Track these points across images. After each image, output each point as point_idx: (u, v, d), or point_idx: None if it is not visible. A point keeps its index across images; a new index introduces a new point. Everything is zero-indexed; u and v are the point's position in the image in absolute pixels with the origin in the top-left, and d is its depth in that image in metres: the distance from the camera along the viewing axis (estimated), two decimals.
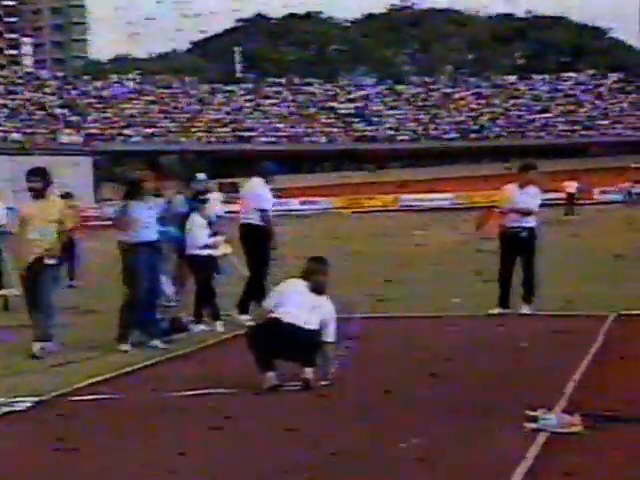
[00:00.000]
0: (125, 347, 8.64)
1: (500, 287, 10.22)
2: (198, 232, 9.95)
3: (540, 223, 10.43)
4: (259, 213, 10.14)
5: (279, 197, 12.20)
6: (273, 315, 6.75)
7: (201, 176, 11.91)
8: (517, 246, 10.15)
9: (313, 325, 6.71)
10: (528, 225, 10.19)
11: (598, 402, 5.90)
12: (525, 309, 10.04)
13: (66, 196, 14.40)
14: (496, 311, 10.02)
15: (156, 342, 8.80)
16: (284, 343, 6.61)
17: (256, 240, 10.08)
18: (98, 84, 66.25)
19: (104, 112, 62.60)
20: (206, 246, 9.94)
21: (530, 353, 7.81)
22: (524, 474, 4.52)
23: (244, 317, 9.80)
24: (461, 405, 5.98)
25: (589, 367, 7.02)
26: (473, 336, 8.80)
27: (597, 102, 66.91)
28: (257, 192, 10.27)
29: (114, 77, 68.50)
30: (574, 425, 5.23)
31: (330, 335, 6.83)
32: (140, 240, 8.83)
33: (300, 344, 6.62)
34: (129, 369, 7.69)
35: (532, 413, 5.40)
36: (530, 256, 10.17)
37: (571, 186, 35.03)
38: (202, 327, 9.80)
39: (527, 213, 10.19)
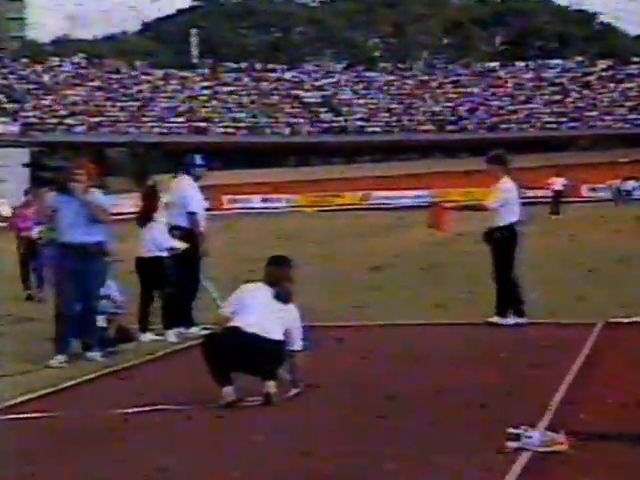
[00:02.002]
0: (58, 359, 8.45)
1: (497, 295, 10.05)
2: (159, 232, 9.86)
3: (519, 222, 10.27)
4: (187, 216, 10.02)
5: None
6: (232, 324, 6.69)
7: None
8: (490, 247, 10.02)
9: (277, 335, 6.67)
10: (502, 224, 9.90)
11: (585, 418, 5.92)
12: (495, 319, 9.90)
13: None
14: (495, 319, 9.85)
15: (94, 354, 8.69)
16: (244, 354, 6.54)
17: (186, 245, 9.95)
18: (37, 68, 65.66)
19: (44, 99, 62.06)
20: (169, 248, 9.84)
21: (512, 365, 7.83)
22: None
23: (195, 329, 9.79)
24: (437, 422, 5.96)
25: (575, 380, 7.05)
26: (451, 347, 8.80)
27: (585, 91, 67.58)
28: (184, 193, 10.09)
29: (55, 60, 67.91)
30: (559, 444, 5.24)
31: (296, 344, 6.80)
32: (64, 240, 8.60)
33: (262, 356, 6.56)
34: (68, 384, 7.59)
35: (514, 431, 5.41)
36: (499, 259, 9.92)
37: (557, 183, 35.26)
38: (151, 337, 9.72)
39: (476, 209, 10.08)
